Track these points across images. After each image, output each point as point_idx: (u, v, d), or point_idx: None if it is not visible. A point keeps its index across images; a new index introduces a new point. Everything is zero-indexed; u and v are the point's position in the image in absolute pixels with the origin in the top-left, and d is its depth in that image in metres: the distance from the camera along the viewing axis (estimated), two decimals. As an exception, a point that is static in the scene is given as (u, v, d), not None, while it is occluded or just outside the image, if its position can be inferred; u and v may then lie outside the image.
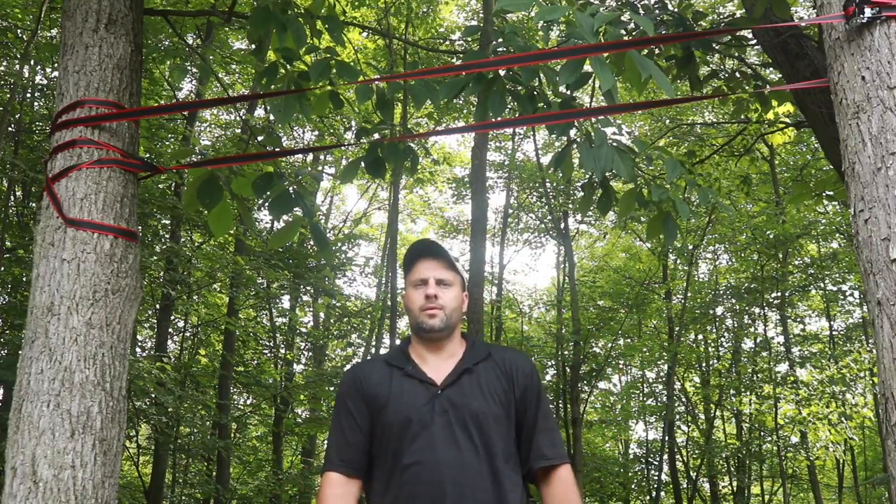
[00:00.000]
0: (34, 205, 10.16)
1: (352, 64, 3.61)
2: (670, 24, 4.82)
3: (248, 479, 15.51)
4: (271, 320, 15.67)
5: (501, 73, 3.45)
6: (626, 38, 4.30)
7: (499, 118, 3.41)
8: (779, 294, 15.56)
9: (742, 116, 6.76)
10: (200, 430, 12.66)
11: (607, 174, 3.49)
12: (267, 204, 3.46)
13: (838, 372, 13.73)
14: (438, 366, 2.33)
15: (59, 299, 2.81)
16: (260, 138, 4.49)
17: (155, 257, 10.85)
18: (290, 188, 3.49)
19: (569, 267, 16.07)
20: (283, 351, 15.94)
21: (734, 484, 16.93)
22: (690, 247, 15.61)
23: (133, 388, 9.28)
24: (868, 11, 2.21)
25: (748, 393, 15.99)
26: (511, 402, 2.30)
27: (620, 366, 18.51)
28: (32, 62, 10.14)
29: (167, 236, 12.13)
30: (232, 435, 14.06)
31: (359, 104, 3.69)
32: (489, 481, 2.18)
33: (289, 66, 3.69)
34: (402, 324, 18.93)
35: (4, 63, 10.14)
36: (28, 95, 10.54)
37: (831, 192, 5.49)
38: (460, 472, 2.16)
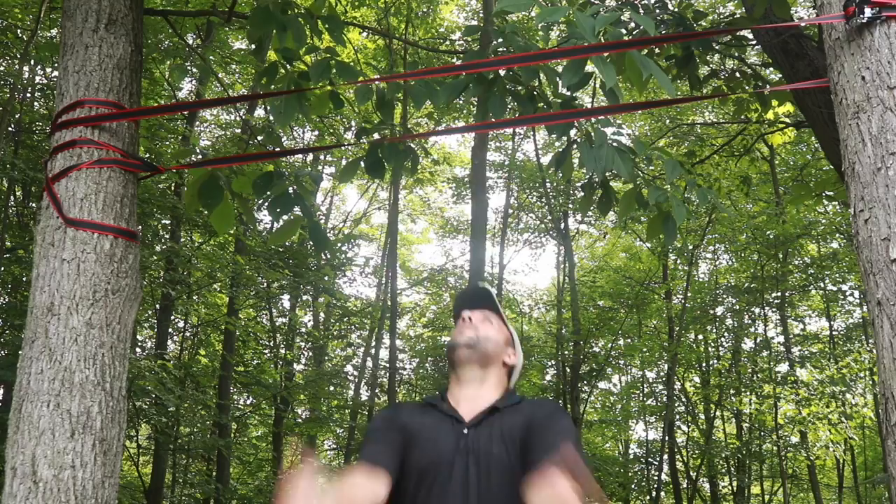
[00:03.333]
0: (34, 205, 10.16)
1: (352, 64, 3.61)
2: (670, 23, 4.82)
3: (248, 479, 15.51)
4: (271, 320, 15.67)
5: (502, 73, 3.45)
6: (626, 37, 4.30)
7: (499, 118, 3.41)
8: (779, 294, 15.55)
9: (742, 116, 6.76)
10: (200, 430, 12.66)
11: (607, 174, 3.49)
12: (267, 204, 3.46)
13: (838, 372, 13.73)
14: (470, 405, 2.13)
15: (59, 299, 2.81)
16: (260, 138, 4.49)
17: (155, 257, 10.85)
18: (290, 188, 3.49)
19: (569, 267, 16.07)
20: (283, 351, 15.94)
21: (734, 484, 16.93)
22: (690, 247, 15.61)
23: (133, 388, 9.28)
24: (868, 11, 2.21)
25: (748, 393, 15.99)
26: (526, 439, 2.04)
27: (620, 366, 18.49)
28: (32, 62, 10.14)
29: (167, 236, 12.13)
30: (232, 435, 14.06)
31: (359, 105, 3.69)
32: None
33: (289, 67, 3.69)
34: (402, 324, 18.94)
35: (4, 63, 10.14)
36: (28, 95, 10.54)
37: (831, 192, 5.49)
38: None
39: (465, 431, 2.06)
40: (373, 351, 16.95)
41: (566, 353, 16.01)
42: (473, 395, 2.14)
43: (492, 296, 2.28)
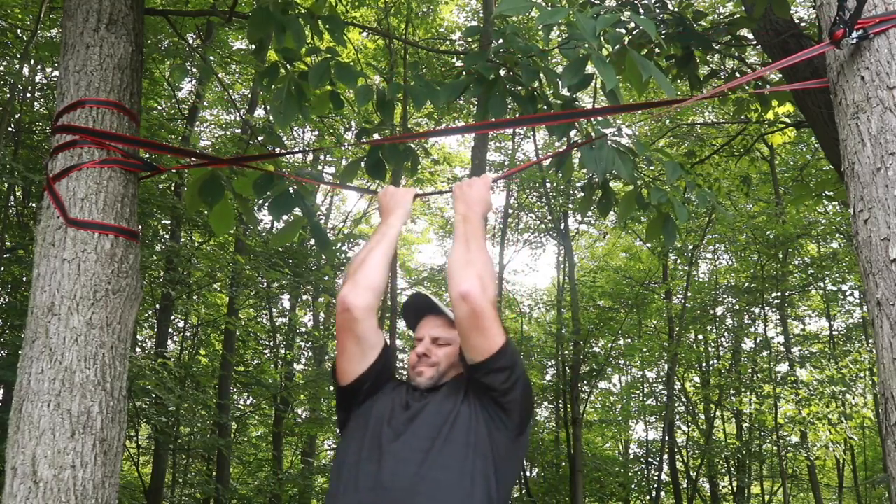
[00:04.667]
0: (34, 205, 10.16)
1: (352, 64, 3.61)
2: (670, 23, 4.82)
3: (248, 479, 15.51)
4: (271, 320, 15.67)
5: (502, 73, 3.46)
6: (626, 38, 4.30)
7: (499, 118, 3.41)
8: (779, 294, 15.56)
9: (742, 116, 6.76)
10: (200, 430, 12.66)
11: (607, 175, 3.49)
12: (267, 204, 3.46)
13: (838, 372, 13.73)
14: None
15: (60, 299, 2.81)
16: (260, 138, 4.49)
17: (155, 257, 10.84)
18: (291, 188, 3.49)
19: (569, 267, 16.07)
20: (283, 351, 15.93)
21: (734, 484, 16.94)
22: (690, 247, 15.61)
23: (133, 388, 9.28)
24: (855, 34, 2.23)
25: (748, 393, 16.00)
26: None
27: (620, 366, 18.50)
28: (32, 62, 10.13)
29: (167, 236, 12.12)
30: (232, 435, 14.06)
31: (359, 106, 3.69)
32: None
33: (289, 67, 3.69)
34: (403, 324, 18.90)
35: (4, 63, 10.13)
36: (28, 95, 10.54)
37: (831, 192, 5.50)
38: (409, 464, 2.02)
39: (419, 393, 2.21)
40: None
41: (566, 353, 16.01)
42: None
43: (431, 300, 2.35)
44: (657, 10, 4.90)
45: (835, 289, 15.72)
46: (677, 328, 16.04)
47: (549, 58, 4.52)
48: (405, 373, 2.38)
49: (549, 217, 16.29)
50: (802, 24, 7.86)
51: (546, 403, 17.57)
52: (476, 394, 2.14)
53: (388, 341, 2.27)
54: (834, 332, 17.02)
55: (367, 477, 2.02)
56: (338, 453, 2.22)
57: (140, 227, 3.15)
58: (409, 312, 2.40)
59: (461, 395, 2.15)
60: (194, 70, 10.38)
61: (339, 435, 2.41)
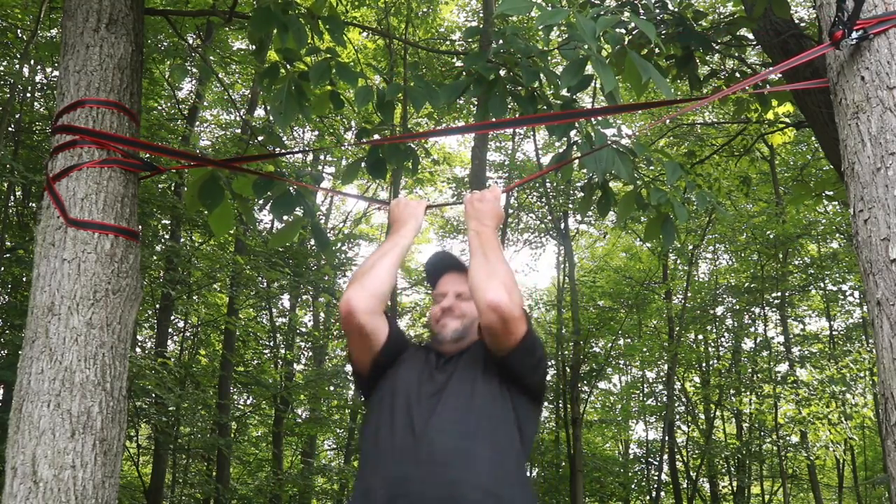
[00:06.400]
0: (34, 205, 10.16)
1: (352, 64, 3.61)
2: (670, 23, 4.82)
3: (248, 479, 15.50)
4: (271, 320, 15.67)
5: (502, 74, 3.46)
6: (626, 38, 4.30)
7: (499, 119, 3.42)
8: (779, 294, 15.55)
9: (742, 116, 6.76)
10: (200, 430, 12.66)
11: (607, 175, 3.50)
12: (269, 204, 3.47)
13: (838, 372, 13.73)
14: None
15: (60, 299, 2.81)
16: (260, 139, 4.49)
17: (155, 257, 10.84)
18: (291, 188, 3.49)
19: (569, 267, 16.06)
20: (283, 351, 15.93)
21: (734, 484, 16.93)
22: (690, 247, 15.61)
23: (133, 388, 9.28)
24: (855, 34, 2.23)
25: (748, 393, 15.99)
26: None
27: (620, 366, 18.50)
28: (32, 62, 10.13)
29: (167, 236, 12.12)
30: (232, 435, 14.06)
31: (358, 107, 3.70)
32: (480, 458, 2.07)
33: (289, 67, 3.69)
34: (403, 324, 18.91)
35: (4, 63, 10.13)
36: (28, 95, 10.54)
37: (831, 192, 5.49)
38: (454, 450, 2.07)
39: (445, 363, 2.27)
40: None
41: (566, 353, 16.01)
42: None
43: (454, 257, 2.48)
44: (657, 11, 4.90)
45: (835, 289, 15.72)
46: (677, 328, 16.04)
47: (549, 58, 4.52)
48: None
49: (549, 217, 16.29)
50: (802, 24, 7.86)
51: (546, 403, 17.57)
52: (497, 363, 2.22)
53: (389, 315, 2.30)
54: (834, 332, 17.02)
55: (404, 450, 2.06)
56: (367, 426, 2.26)
57: (140, 227, 3.15)
58: (431, 270, 2.48)
59: (481, 363, 2.22)
60: (194, 70, 10.39)
61: (361, 407, 2.49)
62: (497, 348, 2.18)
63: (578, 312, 15.55)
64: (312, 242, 12.57)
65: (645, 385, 18.19)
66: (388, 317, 2.30)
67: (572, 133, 3.48)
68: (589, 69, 3.03)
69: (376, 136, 3.78)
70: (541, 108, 3.49)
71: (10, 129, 9.53)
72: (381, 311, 2.25)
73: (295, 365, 16.22)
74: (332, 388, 15.52)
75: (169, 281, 11.40)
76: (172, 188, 11.40)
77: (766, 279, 14.96)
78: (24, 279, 9.39)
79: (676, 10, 5.02)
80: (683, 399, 17.29)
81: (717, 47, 5.36)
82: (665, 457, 17.02)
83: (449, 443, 2.05)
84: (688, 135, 14.15)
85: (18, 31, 9.88)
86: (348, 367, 17.68)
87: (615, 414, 18.72)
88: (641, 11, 4.79)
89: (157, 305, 12.44)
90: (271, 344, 16.00)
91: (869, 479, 17.35)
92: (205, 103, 13.86)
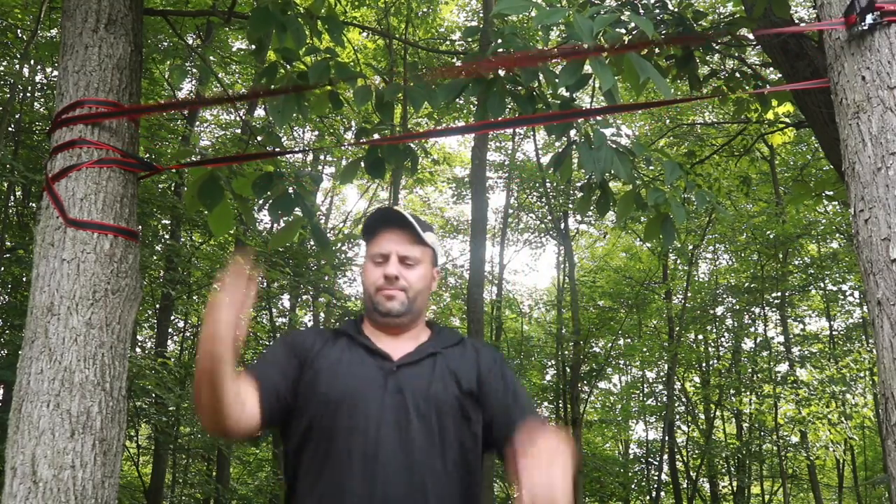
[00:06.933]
0: (34, 205, 10.16)
1: (351, 64, 3.61)
2: (670, 23, 4.82)
3: (248, 479, 15.50)
4: (271, 320, 15.67)
5: (501, 73, 3.45)
6: (625, 38, 4.29)
7: (499, 118, 3.41)
8: (779, 294, 15.56)
9: (742, 116, 6.76)
10: (200, 430, 12.66)
11: (606, 175, 3.49)
12: (267, 205, 3.47)
13: (838, 372, 13.73)
14: (396, 346, 1.96)
15: (59, 299, 2.81)
16: (260, 139, 4.49)
17: (155, 257, 10.85)
18: (290, 188, 3.49)
19: (569, 267, 16.07)
20: (283, 351, 15.90)
21: (734, 484, 16.94)
22: (690, 247, 15.61)
23: (133, 388, 9.28)
24: (869, 18, 2.22)
25: (748, 393, 16.00)
26: (478, 389, 1.93)
27: (620, 366, 18.51)
28: (32, 62, 10.13)
29: (167, 236, 12.12)
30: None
31: (358, 107, 3.70)
32: (445, 480, 1.83)
33: (288, 67, 3.69)
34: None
35: (4, 63, 10.13)
36: (28, 95, 10.54)
37: (831, 192, 5.49)
38: (410, 469, 1.80)
39: (395, 369, 1.90)
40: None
41: (566, 353, 16.02)
42: (400, 338, 1.99)
43: (401, 213, 1.99)
44: (657, 10, 4.90)
45: (835, 289, 15.72)
46: (677, 328, 16.04)
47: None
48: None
49: (549, 217, 16.29)
50: (802, 24, 7.84)
51: (546, 403, 17.58)
52: (451, 376, 1.94)
53: (248, 367, 1.95)
54: (834, 332, 17.03)
55: (367, 479, 1.78)
56: (305, 445, 1.88)
57: (140, 227, 3.15)
58: (370, 223, 2.03)
59: (434, 370, 1.93)
60: (194, 70, 10.38)
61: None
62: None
63: (578, 312, 15.56)
64: (312, 242, 12.57)
65: (645, 385, 18.20)
66: (247, 372, 1.89)
67: (571, 133, 3.48)
68: (587, 68, 3.03)
69: (375, 136, 3.78)
70: (540, 108, 3.48)
71: (10, 129, 9.53)
72: (237, 400, 1.78)
73: (295, 365, 16.18)
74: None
75: (169, 281, 11.40)
76: (172, 188, 11.41)
77: (766, 279, 14.97)
78: (24, 279, 9.39)
79: (676, 10, 5.02)
80: (683, 399, 17.30)
81: (717, 47, 5.36)
82: (665, 457, 17.03)
83: (409, 476, 1.81)
84: (688, 135, 14.15)
85: (18, 31, 9.89)
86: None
87: (615, 414, 18.73)
88: (641, 11, 4.79)
89: (157, 305, 12.44)
90: (271, 344, 15.99)
91: (869, 479, 17.36)
92: (205, 103, 13.84)
